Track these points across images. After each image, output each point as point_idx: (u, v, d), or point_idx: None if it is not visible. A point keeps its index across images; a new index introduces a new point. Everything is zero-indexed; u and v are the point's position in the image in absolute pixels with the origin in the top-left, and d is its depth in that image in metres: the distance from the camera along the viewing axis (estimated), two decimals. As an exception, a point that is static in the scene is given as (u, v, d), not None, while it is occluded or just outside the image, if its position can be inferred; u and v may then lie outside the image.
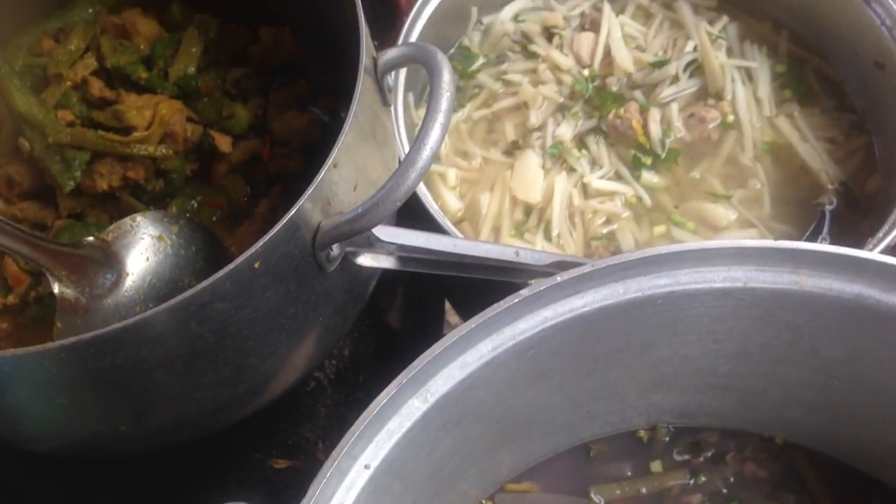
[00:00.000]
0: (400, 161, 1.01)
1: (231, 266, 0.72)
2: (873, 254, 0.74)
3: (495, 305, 0.76)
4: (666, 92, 1.19)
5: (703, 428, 0.93)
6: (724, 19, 1.26)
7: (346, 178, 0.81)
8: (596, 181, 1.12)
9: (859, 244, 0.98)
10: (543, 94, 1.20)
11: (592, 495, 0.89)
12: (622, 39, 1.24)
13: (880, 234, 0.96)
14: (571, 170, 1.15)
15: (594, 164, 1.15)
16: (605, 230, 1.10)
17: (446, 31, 1.25)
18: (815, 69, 1.22)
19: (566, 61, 1.23)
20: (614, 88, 1.21)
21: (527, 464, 0.91)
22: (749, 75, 1.21)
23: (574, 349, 0.82)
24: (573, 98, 1.21)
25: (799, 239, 1.06)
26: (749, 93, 1.19)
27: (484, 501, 0.89)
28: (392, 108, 1.00)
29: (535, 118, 1.19)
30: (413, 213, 0.99)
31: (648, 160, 1.14)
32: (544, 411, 0.87)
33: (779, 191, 1.12)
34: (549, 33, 1.27)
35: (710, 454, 0.91)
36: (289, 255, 0.77)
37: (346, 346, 1.10)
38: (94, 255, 0.88)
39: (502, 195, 1.14)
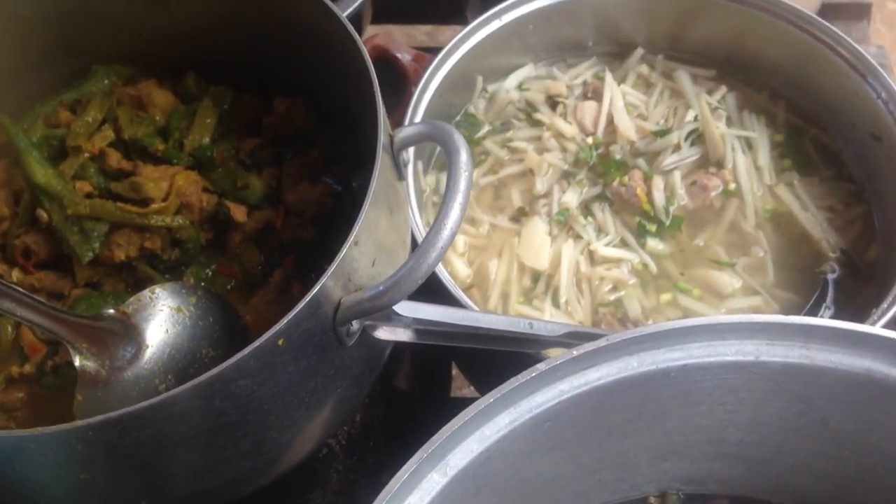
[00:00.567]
0: (412, 230, 1.03)
1: (256, 343, 0.74)
2: (881, 329, 0.76)
3: (513, 379, 0.77)
4: (668, 160, 1.22)
5: (713, 495, 0.94)
6: (723, 89, 1.29)
7: (365, 254, 0.82)
8: (602, 248, 1.14)
9: (863, 313, 1.00)
10: (548, 161, 1.23)
11: (603, 561, 0.89)
12: (624, 108, 1.27)
13: (885, 306, 0.98)
14: (578, 236, 1.17)
15: (600, 230, 1.17)
16: (612, 297, 1.12)
17: (452, 99, 1.28)
18: (813, 139, 1.24)
19: (570, 129, 1.26)
20: (618, 156, 1.24)
21: (538, 530, 0.92)
22: (749, 144, 1.24)
23: (588, 420, 0.84)
24: (577, 165, 1.24)
25: (803, 307, 1.08)
26: (749, 161, 1.21)
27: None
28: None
29: (540, 185, 1.21)
30: (425, 281, 1.01)
31: (653, 227, 1.17)
32: (557, 480, 0.88)
33: (781, 258, 1.14)
34: (552, 101, 1.30)
35: (719, 520, 0.92)
36: (310, 330, 0.78)
37: (357, 411, 1.11)
38: (114, 327, 0.89)
39: (510, 262, 1.16)
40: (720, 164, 1.22)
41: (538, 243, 1.16)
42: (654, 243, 1.16)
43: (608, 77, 1.30)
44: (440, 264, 1.06)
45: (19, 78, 1.10)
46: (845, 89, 1.19)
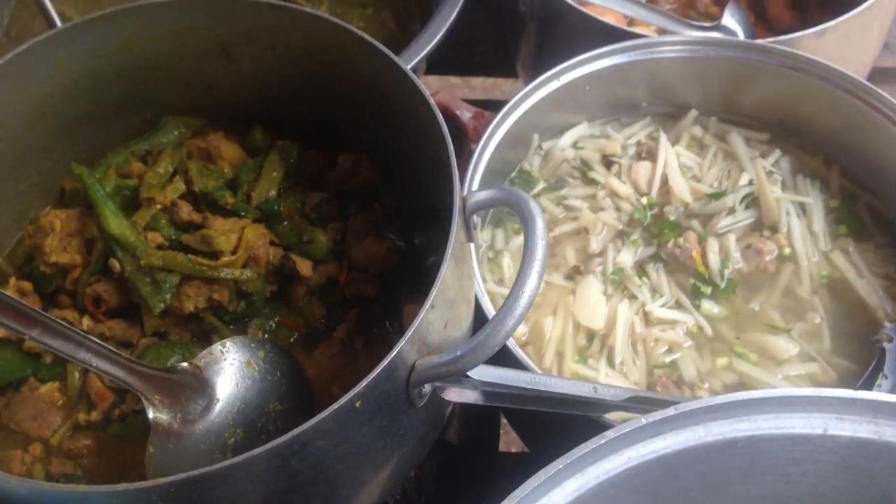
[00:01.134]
0: (475, 292, 1.04)
1: (335, 406, 0.75)
2: (951, 408, 0.77)
3: (582, 445, 0.78)
4: (723, 223, 1.23)
5: (771, 563, 0.94)
6: (777, 153, 1.30)
7: (439, 317, 0.84)
8: (658, 309, 1.15)
9: (922, 384, 1.01)
10: (603, 220, 1.24)
11: None
12: (679, 169, 1.28)
13: (947, 379, 0.98)
14: (632, 297, 1.18)
15: (654, 291, 1.18)
16: (667, 359, 1.13)
17: (508, 156, 1.30)
18: (868, 205, 1.25)
19: (624, 189, 1.28)
20: (672, 217, 1.25)
21: None
22: (803, 209, 1.24)
23: (651, 487, 0.84)
24: (632, 225, 1.25)
25: (860, 375, 1.08)
26: (804, 226, 1.22)
27: None
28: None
29: (595, 244, 1.23)
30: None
31: (708, 290, 1.17)
32: (617, 545, 0.89)
33: (837, 325, 1.14)
34: (607, 161, 1.32)
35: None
36: (385, 392, 0.80)
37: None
38: (187, 380, 0.91)
39: (565, 320, 1.17)
40: (774, 228, 1.22)
41: (593, 302, 1.17)
42: (708, 306, 1.16)
43: (662, 138, 1.31)
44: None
45: (93, 129, 1.13)
46: (896, 156, 1.20)
